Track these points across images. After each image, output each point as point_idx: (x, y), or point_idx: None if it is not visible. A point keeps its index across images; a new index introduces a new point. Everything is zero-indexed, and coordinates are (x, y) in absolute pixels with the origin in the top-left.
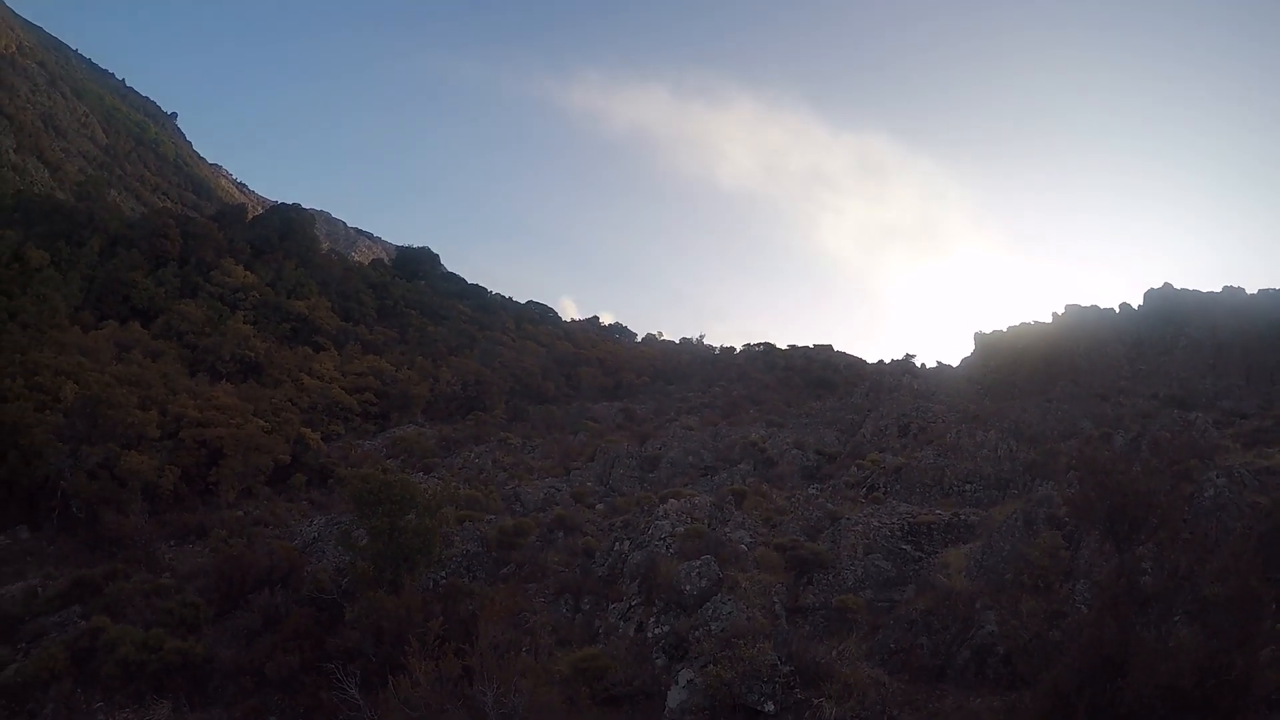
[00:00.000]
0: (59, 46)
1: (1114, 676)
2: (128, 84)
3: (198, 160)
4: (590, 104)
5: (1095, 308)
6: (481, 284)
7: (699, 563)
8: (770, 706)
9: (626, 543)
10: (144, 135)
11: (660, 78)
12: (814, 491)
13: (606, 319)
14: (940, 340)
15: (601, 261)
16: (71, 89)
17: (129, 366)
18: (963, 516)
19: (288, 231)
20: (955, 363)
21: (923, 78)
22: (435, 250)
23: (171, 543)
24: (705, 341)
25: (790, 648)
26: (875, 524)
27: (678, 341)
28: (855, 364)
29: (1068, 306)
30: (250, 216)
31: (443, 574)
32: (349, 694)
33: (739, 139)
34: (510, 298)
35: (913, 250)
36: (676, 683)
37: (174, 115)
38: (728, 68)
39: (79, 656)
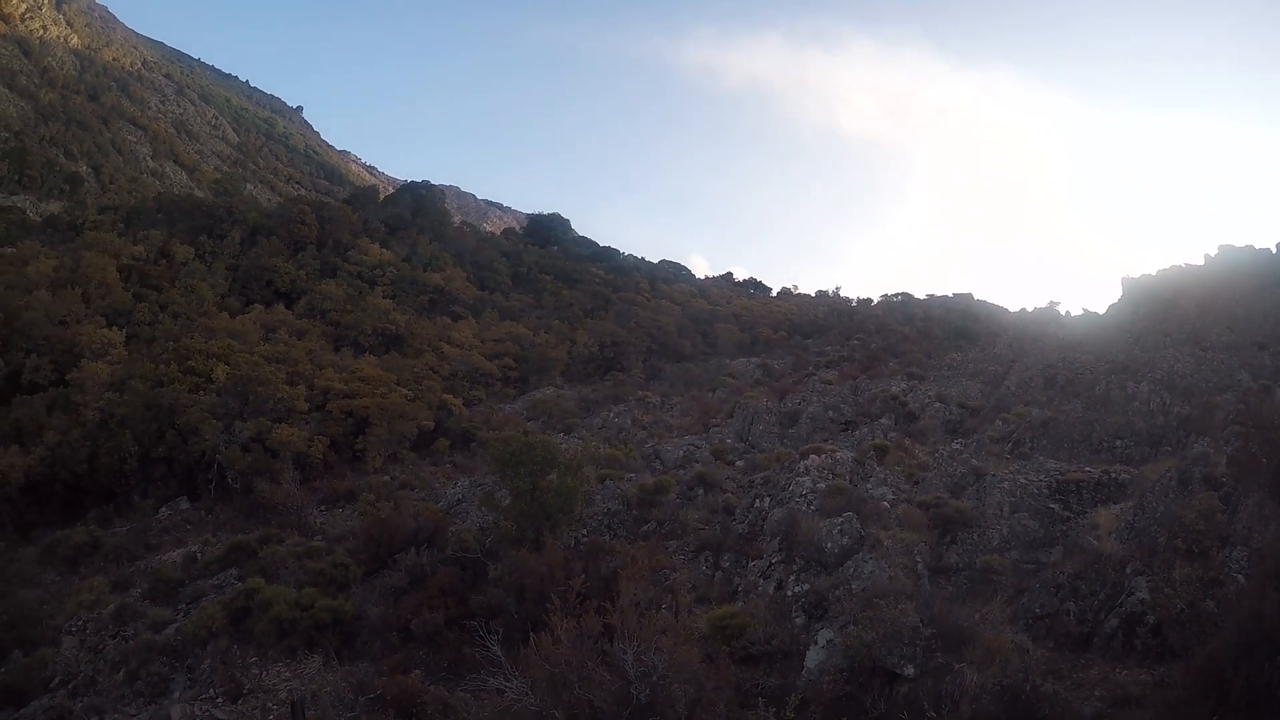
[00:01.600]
0: (182, 57)
1: (1275, 653)
2: (251, 84)
3: (327, 148)
4: (705, 59)
5: (1251, 248)
6: (613, 246)
7: (840, 520)
8: (910, 670)
9: (767, 499)
10: (273, 130)
11: (773, 25)
12: (958, 447)
13: (740, 274)
14: (1085, 286)
15: (729, 217)
16: (199, 95)
17: (276, 346)
18: (1113, 474)
19: (419, 208)
20: (1102, 310)
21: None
22: (565, 216)
23: (321, 508)
24: (841, 294)
25: (932, 609)
26: (1022, 481)
27: (813, 295)
28: (996, 313)
29: (1221, 247)
30: (382, 197)
31: (584, 532)
32: (491, 650)
33: (859, 83)
34: (642, 258)
35: (1050, 190)
36: (815, 642)
37: (299, 109)
38: (842, 10)
39: (235, 616)
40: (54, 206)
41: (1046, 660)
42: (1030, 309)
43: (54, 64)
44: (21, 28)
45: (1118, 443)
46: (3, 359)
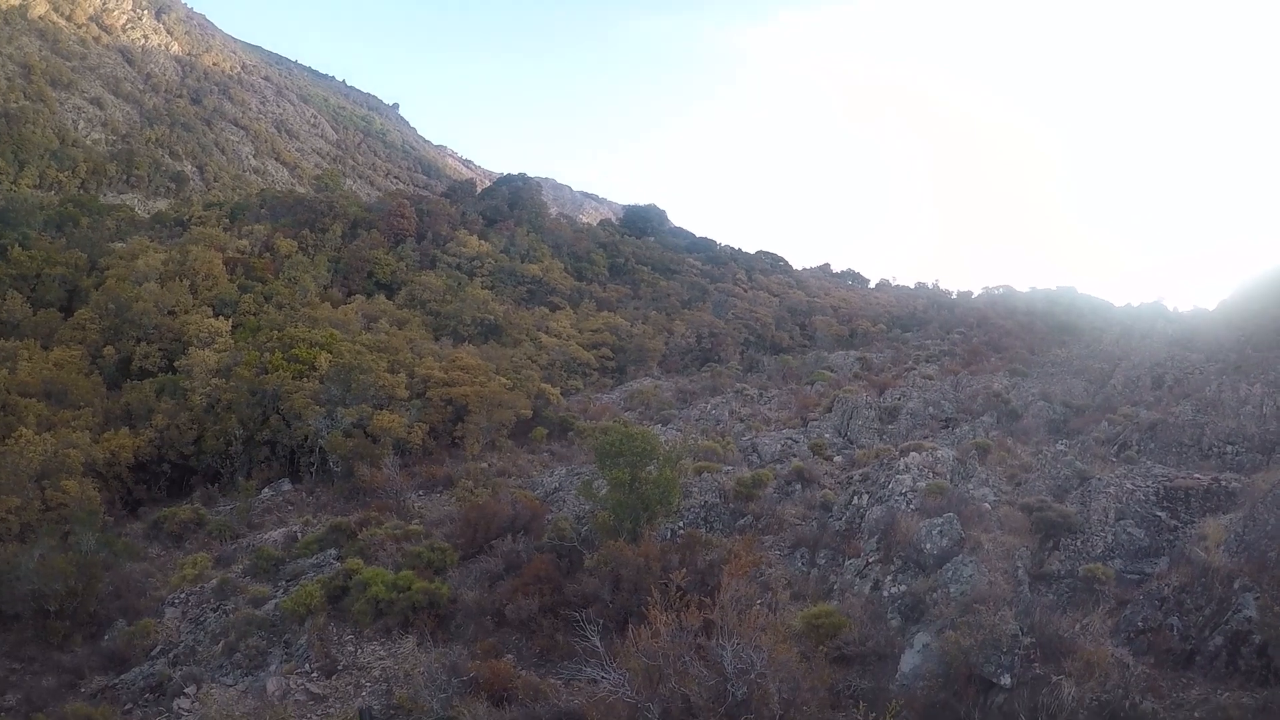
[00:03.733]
0: (279, 60)
1: None
2: (348, 84)
3: (423, 143)
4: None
5: None
6: (710, 236)
7: (940, 520)
8: (1007, 679)
9: (865, 497)
10: (370, 127)
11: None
12: (1062, 448)
13: (837, 266)
14: (1195, 281)
15: (821, 207)
16: (298, 95)
17: (377, 335)
18: (1223, 482)
19: (516, 200)
20: (1212, 306)
21: None
22: (661, 207)
23: (420, 492)
24: (940, 286)
25: (1032, 618)
26: (1128, 486)
27: (912, 286)
28: (1101, 307)
29: None
30: (479, 190)
31: (680, 524)
32: (590, 640)
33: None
34: (739, 248)
35: (1152, 180)
36: (911, 646)
37: (395, 105)
38: None
39: (333, 595)
40: (161, 204)
41: (1146, 677)
42: (1136, 303)
43: (156, 70)
44: (124, 37)
45: (1228, 448)
46: (115, 347)
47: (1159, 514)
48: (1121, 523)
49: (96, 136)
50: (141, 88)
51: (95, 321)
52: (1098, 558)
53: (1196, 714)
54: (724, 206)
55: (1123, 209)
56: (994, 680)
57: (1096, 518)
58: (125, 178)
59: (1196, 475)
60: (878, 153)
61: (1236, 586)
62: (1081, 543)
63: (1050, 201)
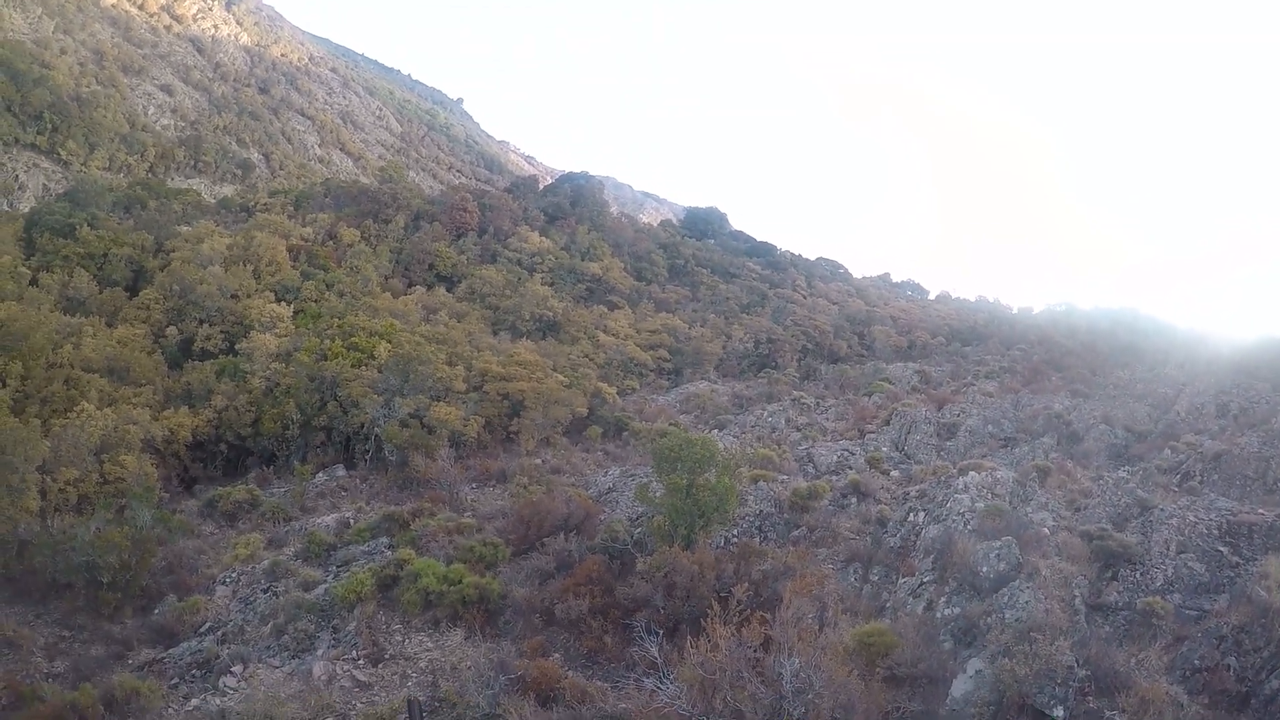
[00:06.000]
0: (346, 53)
1: None
2: (413, 78)
3: (487, 138)
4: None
5: None
6: (770, 241)
7: (999, 544)
8: (1060, 712)
9: (922, 514)
10: (434, 121)
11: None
12: (1124, 475)
13: (897, 276)
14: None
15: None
16: (364, 88)
17: (436, 327)
18: None
19: (578, 198)
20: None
21: None
22: (722, 210)
23: (473, 485)
24: (1001, 300)
25: (1088, 649)
26: (1190, 519)
27: (972, 300)
28: (1165, 329)
29: None
30: (541, 186)
31: (734, 532)
32: (643, 647)
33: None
34: (799, 254)
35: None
36: (964, 671)
37: (460, 100)
38: None
39: (384, 583)
40: (227, 190)
41: (1201, 717)
42: (1201, 325)
43: (225, 60)
44: (194, 27)
45: None
46: (178, 327)
47: (1221, 549)
48: (1182, 556)
49: (166, 122)
50: (210, 76)
51: (159, 302)
52: (1156, 591)
53: None
54: (776, 209)
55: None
56: (1047, 711)
57: (1157, 549)
58: (193, 163)
59: (1261, 511)
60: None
61: None
62: (1141, 574)
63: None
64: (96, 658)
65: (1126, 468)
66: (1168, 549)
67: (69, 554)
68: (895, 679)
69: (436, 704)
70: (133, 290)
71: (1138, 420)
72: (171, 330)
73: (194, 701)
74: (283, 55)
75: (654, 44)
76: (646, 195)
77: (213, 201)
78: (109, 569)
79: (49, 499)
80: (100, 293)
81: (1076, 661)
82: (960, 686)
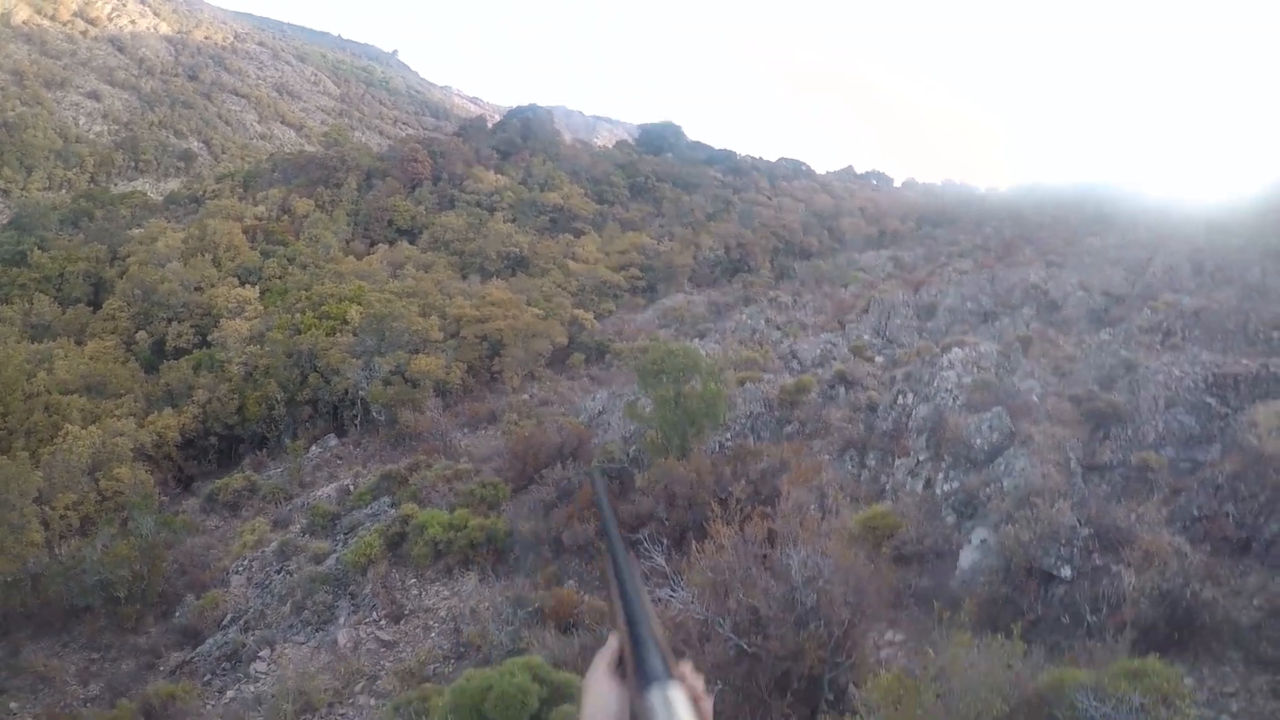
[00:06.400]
0: (272, 24)
1: None
2: (344, 38)
3: (429, 86)
4: None
5: None
6: (730, 148)
7: (989, 415)
8: (1067, 571)
9: (910, 395)
10: (372, 78)
11: None
12: (1106, 337)
13: (860, 168)
14: (1233, 163)
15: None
16: (295, 56)
17: (404, 281)
18: (1272, 368)
19: (529, 131)
20: (1249, 190)
21: None
22: (676, 123)
23: (465, 431)
24: (968, 183)
25: (1088, 509)
26: (1176, 374)
27: (939, 184)
28: (1133, 197)
29: None
30: (490, 125)
31: (727, 436)
32: (652, 560)
33: None
34: (760, 157)
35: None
36: (969, 542)
37: (394, 52)
38: None
39: (392, 541)
40: (173, 184)
41: (1205, 565)
42: (1174, 190)
43: (149, 54)
44: (111, 27)
45: (1275, 334)
46: (147, 331)
47: (1209, 401)
48: (1171, 410)
49: (99, 129)
50: (136, 74)
51: (124, 310)
52: (1149, 446)
53: (1255, 601)
54: (738, 118)
55: None
56: (1054, 573)
57: (1146, 406)
58: (134, 165)
59: (1244, 361)
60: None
61: None
62: (1132, 432)
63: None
64: (129, 672)
65: (1108, 330)
66: (1156, 405)
67: (81, 577)
68: (903, 558)
69: (461, 649)
70: (96, 304)
71: (1114, 284)
72: (141, 335)
73: (230, 694)
74: (206, 38)
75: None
76: (598, 119)
77: (160, 199)
78: (123, 583)
79: (52, 528)
80: (64, 313)
81: (1078, 521)
82: (967, 557)
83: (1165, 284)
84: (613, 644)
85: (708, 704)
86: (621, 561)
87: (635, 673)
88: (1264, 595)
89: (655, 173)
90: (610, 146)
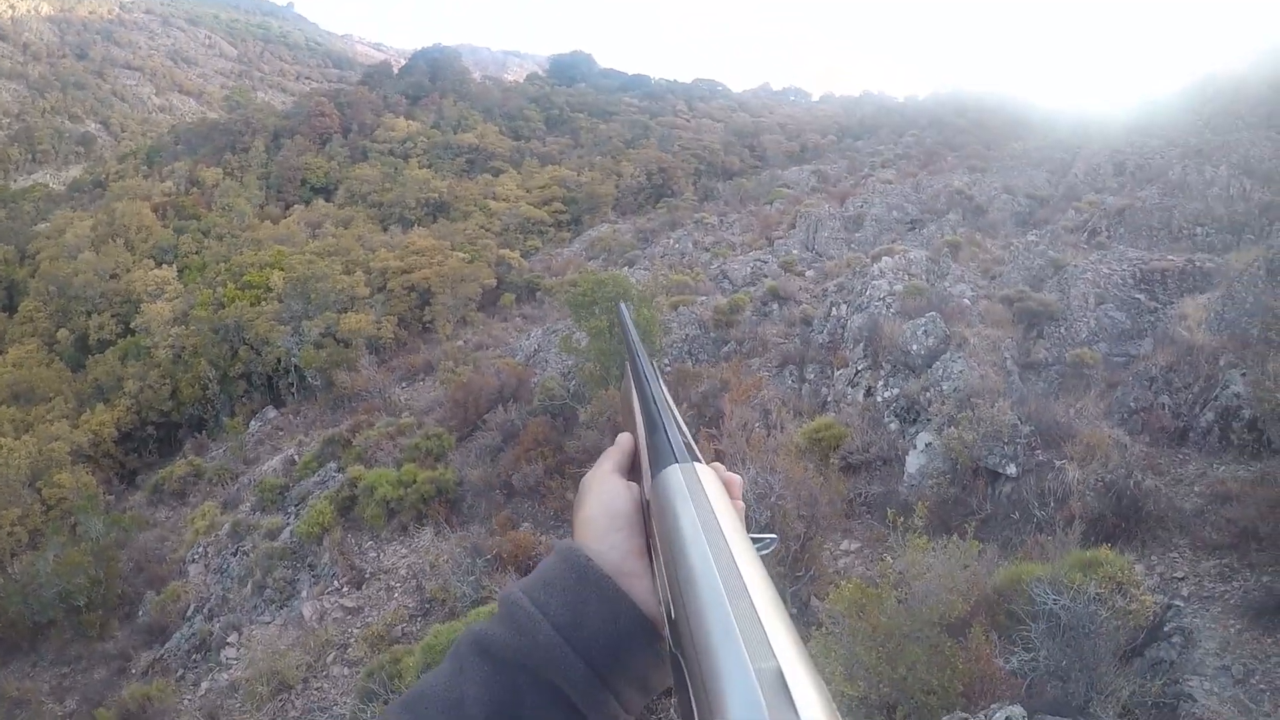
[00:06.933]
0: None
1: None
2: None
3: (329, 37)
4: None
5: None
6: (644, 72)
7: (923, 321)
8: (1013, 469)
9: (844, 306)
10: (269, 34)
11: None
12: (1033, 238)
13: (777, 85)
14: (1147, 68)
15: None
16: (185, 20)
17: (324, 240)
18: (1197, 263)
19: (437, 72)
20: (1166, 92)
21: None
22: (587, 52)
23: (403, 385)
24: (886, 93)
25: (1028, 406)
26: (1104, 271)
27: (857, 95)
28: (1051, 102)
29: None
30: (396, 70)
31: (666, 361)
32: None
33: None
34: (675, 80)
35: None
36: (915, 447)
37: (289, 4)
38: None
39: (343, 506)
40: (74, 171)
41: (1145, 455)
42: (1091, 95)
43: (32, 38)
44: None
45: (1198, 230)
46: (67, 328)
47: (1138, 296)
48: (1102, 307)
49: None
50: (21, 60)
51: (41, 309)
52: (1083, 343)
53: (1196, 488)
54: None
55: None
56: (1000, 471)
57: (1077, 304)
58: (31, 157)
59: (1170, 257)
60: None
61: (1222, 363)
62: (1065, 330)
63: None
64: (102, 680)
65: (1034, 232)
66: (1087, 302)
67: (38, 592)
68: (851, 467)
69: (426, 606)
70: (10, 308)
71: (1038, 186)
72: (62, 333)
73: (204, 685)
74: (91, 13)
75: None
76: (508, 54)
77: (63, 188)
78: (81, 591)
79: (1, 548)
80: None
81: (1019, 419)
82: (914, 462)
83: (1088, 184)
84: (623, 442)
85: (739, 484)
86: (639, 355)
87: (651, 461)
88: (1204, 482)
89: (570, 104)
90: (522, 81)
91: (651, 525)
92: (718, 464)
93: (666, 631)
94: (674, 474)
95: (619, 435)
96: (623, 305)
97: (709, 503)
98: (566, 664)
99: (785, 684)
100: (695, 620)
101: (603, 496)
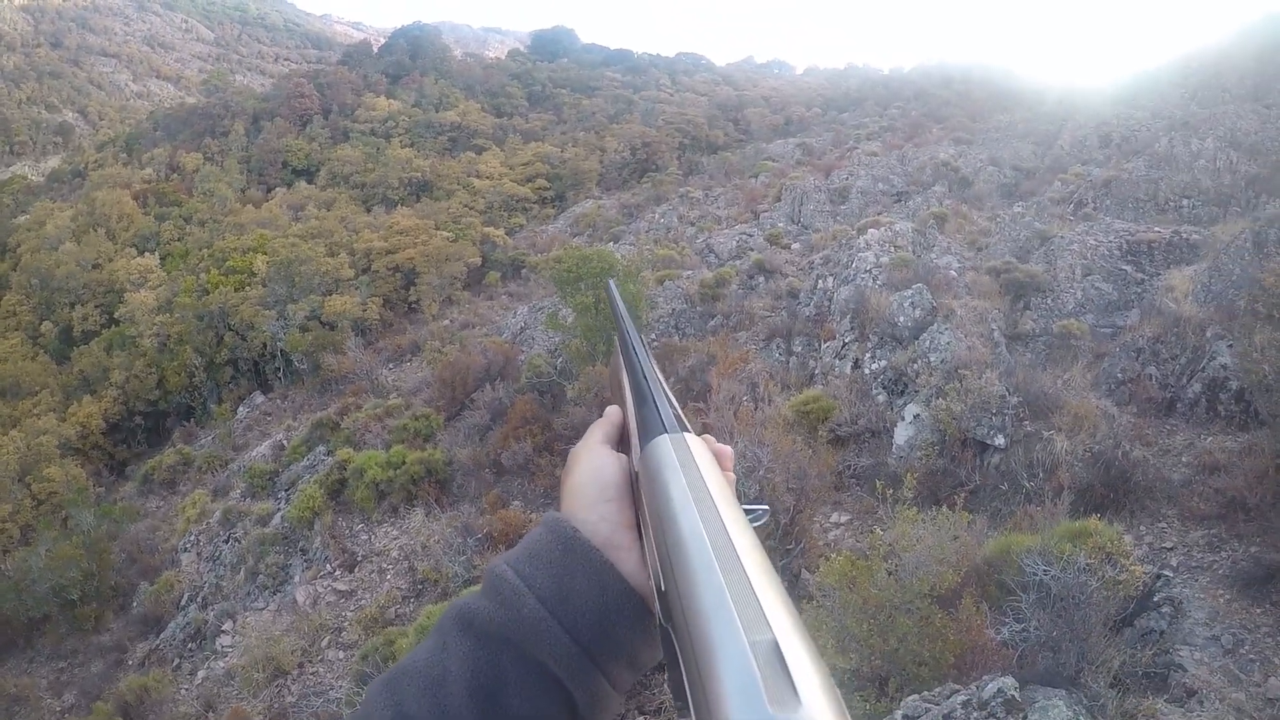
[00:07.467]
0: None
1: None
2: None
3: (307, 18)
4: None
5: None
6: (627, 47)
7: (910, 292)
8: (1001, 440)
9: (830, 279)
10: (246, 16)
11: None
12: (1019, 210)
13: (761, 58)
14: (1133, 43)
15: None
16: (162, 4)
17: (307, 223)
18: (1184, 235)
19: (417, 50)
20: (1152, 65)
21: None
22: (569, 27)
23: (390, 366)
24: (871, 65)
25: (1015, 377)
26: (1091, 243)
27: (842, 68)
28: (1036, 75)
29: None
30: (375, 49)
31: (652, 336)
32: None
33: None
34: (658, 54)
35: None
36: (903, 419)
37: None
38: None
39: (333, 490)
40: (53, 161)
41: (1133, 426)
42: (1076, 69)
43: (6, 27)
44: None
45: (1184, 202)
46: (51, 320)
47: (1124, 268)
48: (1089, 279)
49: None
50: None
51: (23, 302)
52: (1069, 314)
53: (1183, 459)
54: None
55: None
56: (989, 442)
57: (1063, 275)
58: (8, 148)
59: (1157, 229)
60: None
61: (1209, 335)
62: (1052, 301)
63: None
64: (99, 673)
65: (1020, 204)
66: (1073, 274)
67: (32, 588)
68: (839, 439)
69: (419, 587)
70: None
71: (1024, 158)
72: (46, 326)
73: (200, 674)
74: (65, 0)
75: None
76: (489, 30)
77: (42, 179)
78: (74, 585)
79: None
80: None
81: (1007, 390)
82: (902, 433)
83: (1074, 156)
84: (611, 415)
85: (730, 456)
86: (629, 329)
87: (640, 433)
88: (1191, 453)
89: (552, 79)
90: (503, 57)
91: (641, 497)
92: (708, 435)
93: (656, 605)
94: (664, 444)
95: (607, 408)
96: (611, 281)
97: (699, 473)
98: (552, 639)
99: (781, 657)
100: (686, 592)
101: (592, 465)
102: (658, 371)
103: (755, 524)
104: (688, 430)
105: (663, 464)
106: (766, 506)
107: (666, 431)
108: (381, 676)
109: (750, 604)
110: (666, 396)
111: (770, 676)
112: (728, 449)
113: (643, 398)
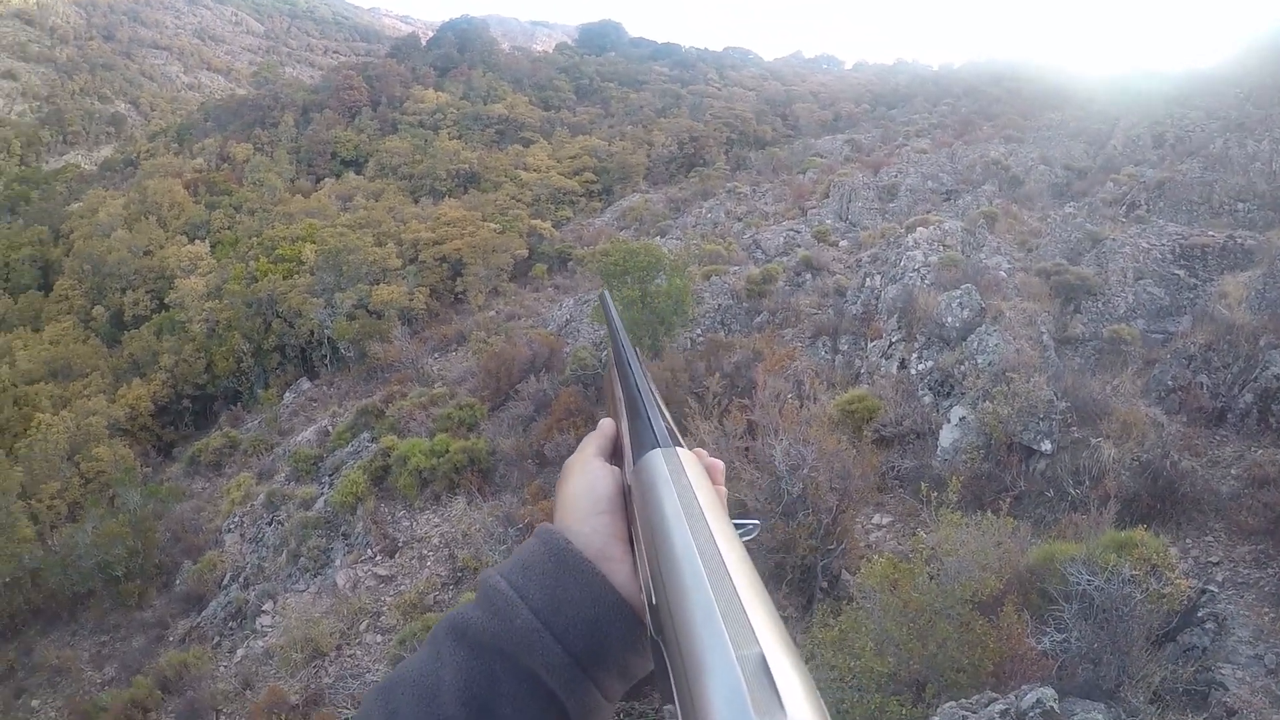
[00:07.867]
0: None
1: None
2: None
3: (355, 11)
4: None
5: None
6: (674, 41)
7: (959, 292)
8: (1047, 445)
9: (878, 277)
10: (295, 9)
11: None
12: (1070, 210)
13: (809, 53)
14: (1188, 39)
15: None
16: None
17: (355, 213)
18: (1239, 239)
19: (465, 43)
20: (1205, 64)
21: None
22: (617, 21)
23: (435, 355)
24: (920, 61)
25: (1064, 382)
26: (1143, 246)
27: (891, 64)
28: (1091, 78)
29: None
30: (424, 42)
31: (697, 332)
32: None
33: None
34: (705, 48)
35: None
36: (949, 421)
37: None
38: None
39: (377, 476)
40: (105, 151)
41: (1182, 435)
42: (1130, 64)
43: (59, 21)
44: (14, 2)
45: (1240, 206)
46: (103, 305)
47: (1177, 272)
48: (1141, 283)
49: (20, 109)
50: (49, 44)
51: (76, 287)
52: (1120, 319)
53: (1233, 471)
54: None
55: None
56: (1035, 447)
57: (1115, 279)
58: (62, 138)
59: (1211, 233)
60: None
61: (1263, 344)
62: (1103, 304)
63: None
64: (140, 648)
65: (1071, 204)
66: (1125, 277)
67: (78, 564)
68: (884, 440)
69: (458, 574)
70: (46, 287)
71: (1075, 158)
72: (98, 310)
73: (239, 652)
74: None
75: None
76: (536, 24)
77: (95, 168)
78: (119, 562)
79: (41, 520)
80: (15, 302)
81: (1055, 395)
82: (947, 436)
83: (1127, 157)
84: (605, 427)
85: (722, 470)
86: (623, 342)
87: (633, 446)
88: (1241, 465)
89: (600, 73)
90: (551, 51)
91: (633, 510)
92: (700, 450)
93: (648, 617)
94: (656, 458)
95: (601, 420)
96: (605, 294)
97: (691, 487)
98: (544, 649)
99: (768, 670)
100: (676, 605)
101: (586, 478)
102: (651, 385)
103: (746, 539)
104: (680, 444)
105: (655, 478)
106: (758, 521)
107: (659, 445)
108: (376, 685)
109: (738, 618)
110: (660, 410)
111: (756, 688)
112: (720, 463)
113: (636, 411)
